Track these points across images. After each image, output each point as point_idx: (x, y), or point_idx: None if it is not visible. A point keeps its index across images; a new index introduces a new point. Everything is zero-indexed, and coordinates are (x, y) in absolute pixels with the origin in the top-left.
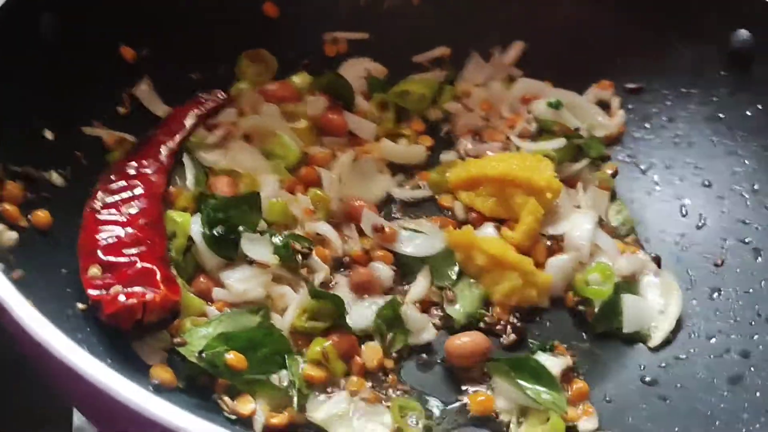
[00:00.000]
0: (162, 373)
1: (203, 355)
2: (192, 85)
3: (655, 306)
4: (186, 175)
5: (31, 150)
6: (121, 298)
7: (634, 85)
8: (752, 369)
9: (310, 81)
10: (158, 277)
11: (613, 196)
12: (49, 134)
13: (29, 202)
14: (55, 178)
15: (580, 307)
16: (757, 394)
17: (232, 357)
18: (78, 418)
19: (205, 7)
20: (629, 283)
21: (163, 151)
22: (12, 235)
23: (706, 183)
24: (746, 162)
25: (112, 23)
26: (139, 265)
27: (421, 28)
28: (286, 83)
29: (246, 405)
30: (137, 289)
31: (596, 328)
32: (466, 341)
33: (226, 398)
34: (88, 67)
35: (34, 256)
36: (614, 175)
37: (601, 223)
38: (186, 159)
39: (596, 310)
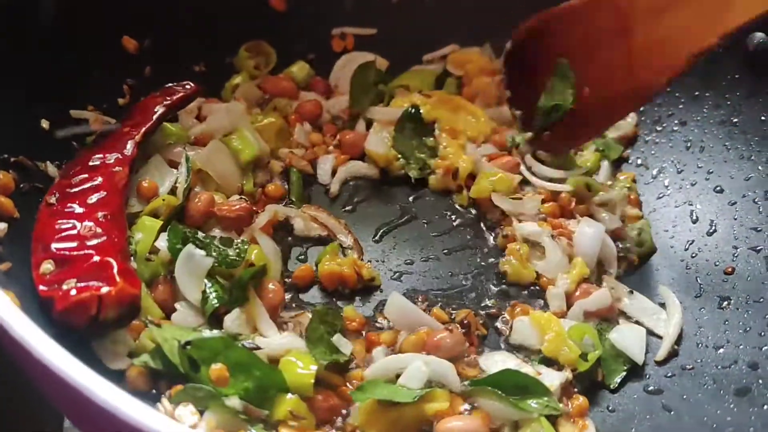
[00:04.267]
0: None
1: (188, 347)
2: (194, 77)
3: (651, 323)
4: (165, 178)
5: (26, 140)
6: (73, 292)
7: None
8: (760, 381)
9: (307, 71)
10: (115, 270)
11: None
12: (45, 124)
13: (22, 193)
14: (51, 169)
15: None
16: (765, 407)
17: (219, 368)
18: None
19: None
20: (609, 320)
21: (129, 142)
22: (1, 227)
23: (718, 188)
24: (759, 168)
25: (113, 12)
26: (95, 258)
27: (430, 24)
28: (284, 77)
29: (189, 416)
30: (92, 283)
31: (611, 381)
32: (460, 426)
33: (165, 401)
34: (88, 57)
35: (23, 249)
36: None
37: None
38: (183, 164)
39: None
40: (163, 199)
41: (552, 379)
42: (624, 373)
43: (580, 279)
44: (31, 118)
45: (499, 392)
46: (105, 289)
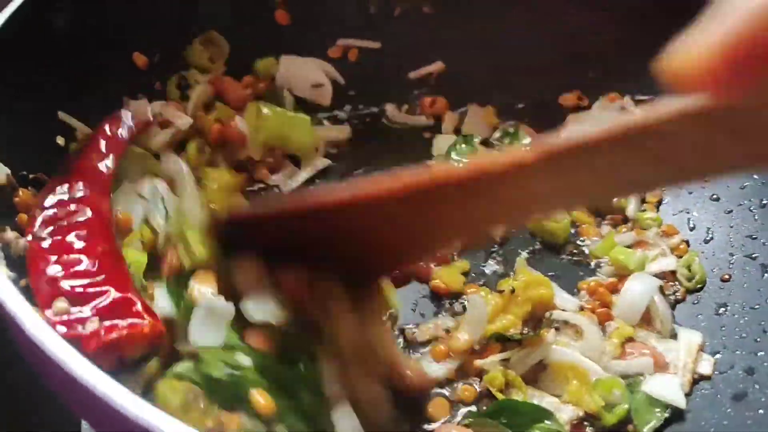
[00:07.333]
0: None
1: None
2: None
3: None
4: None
5: (43, 156)
6: (102, 333)
7: (644, 98)
8: (756, 386)
9: (273, 64)
10: (139, 306)
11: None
12: (60, 140)
13: None
14: None
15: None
16: (761, 411)
17: (261, 395)
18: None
19: (218, 14)
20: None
21: (104, 169)
22: (24, 243)
23: (715, 197)
24: (755, 176)
25: (124, 29)
26: (114, 294)
27: (433, 36)
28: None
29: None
30: (117, 321)
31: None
32: None
33: None
34: (101, 73)
35: None
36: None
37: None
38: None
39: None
40: (142, 234)
41: (562, 413)
42: (662, 422)
43: (624, 340)
44: (46, 135)
45: (500, 424)
46: (135, 327)
